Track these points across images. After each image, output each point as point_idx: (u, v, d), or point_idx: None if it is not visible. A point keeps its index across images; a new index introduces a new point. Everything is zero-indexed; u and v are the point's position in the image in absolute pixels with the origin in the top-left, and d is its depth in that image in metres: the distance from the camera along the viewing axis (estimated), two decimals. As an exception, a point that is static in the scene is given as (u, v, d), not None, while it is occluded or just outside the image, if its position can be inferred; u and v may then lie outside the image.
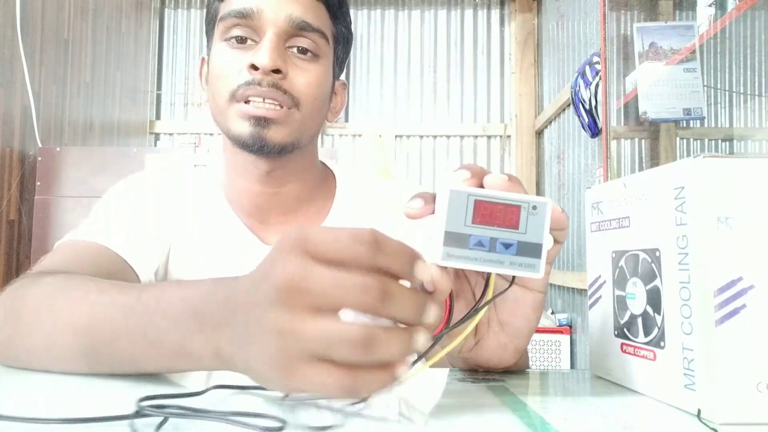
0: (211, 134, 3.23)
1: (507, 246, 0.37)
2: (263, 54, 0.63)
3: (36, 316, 0.48)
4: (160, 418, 0.33)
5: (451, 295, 0.40)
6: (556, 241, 0.40)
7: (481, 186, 0.38)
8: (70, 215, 1.97)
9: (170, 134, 3.26)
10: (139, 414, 0.33)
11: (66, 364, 0.46)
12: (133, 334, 0.41)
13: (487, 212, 0.37)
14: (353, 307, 0.30)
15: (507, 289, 0.41)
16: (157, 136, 3.25)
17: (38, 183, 2.00)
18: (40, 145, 2.03)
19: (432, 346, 0.39)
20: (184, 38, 3.34)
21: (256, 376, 0.34)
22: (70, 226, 0.69)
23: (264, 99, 0.64)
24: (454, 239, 0.37)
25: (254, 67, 0.63)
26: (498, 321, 0.45)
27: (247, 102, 0.64)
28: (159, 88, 3.30)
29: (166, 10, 3.35)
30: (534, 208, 0.37)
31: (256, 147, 0.65)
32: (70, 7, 2.29)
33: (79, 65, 2.39)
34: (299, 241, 0.32)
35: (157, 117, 3.29)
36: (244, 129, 0.64)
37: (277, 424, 0.32)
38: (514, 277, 0.41)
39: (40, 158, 2.01)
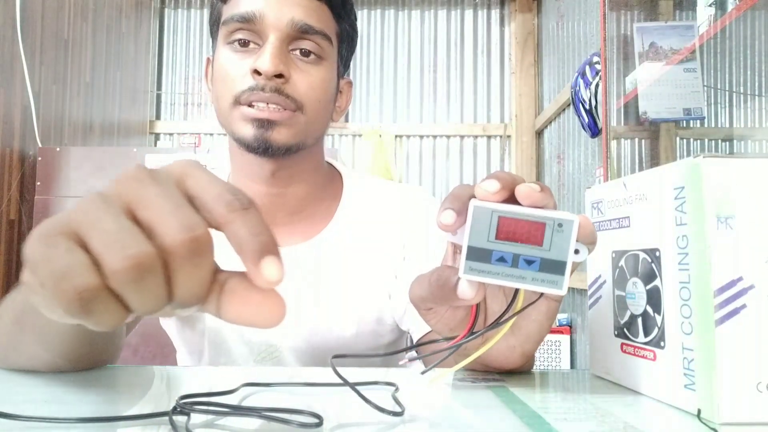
0: (211, 134, 3.23)
1: (530, 262, 0.37)
2: (265, 59, 0.63)
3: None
4: (199, 416, 0.34)
5: (477, 307, 0.41)
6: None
7: (512, 195, 0.38)
8: (70, 215, 1.97)
9: (170, 134, 3.26)
10: (177, 411, 0.33)
11: (14, 350, 0.47)
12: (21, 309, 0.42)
13: (511, 229, 0.37)
14: (156, 236, 0.26)
15: (536, 301, 0.41)
16: (157, 136, 3.25)
17: (38, 183, 2.00)
18: (40, 145, 2.03)
19: (452, 352, 0.39)
20: (184, 38, 3.33)
21: (25, 249, 0.27)
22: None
23: (267, 104, 0.64)
24: (476, 254, 0.37)
25: (257, 72, 0.63)
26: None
27: (250, 106, 0.64)
28: (159, 88, 3.30)
29: (166, 10, 3.34)
30: (560, 225, 0.37)
31: (261, 149, 0.65)
32: (70, 7, 2.29)
33: (79, 65, 2.38)
34: (183, 165, 0.29)
35: (157, 117, 3.28)
36: (248, 131, 0.64)
37: (314, 420, 0.32)
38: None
39: (40, 158, 2.01)
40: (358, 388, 0.37)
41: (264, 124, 0.64)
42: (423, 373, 0.40)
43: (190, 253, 0.26)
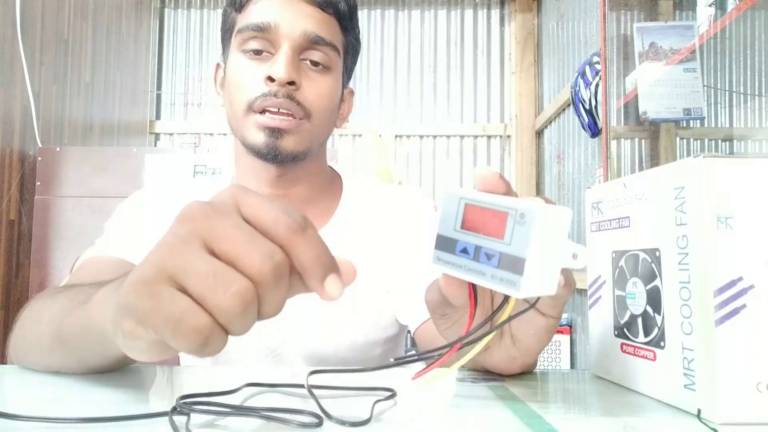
0: (211, 134, 3.23)
1: (489, 257, 0.33)
2: (279, 67, 0.66)
3: (28, 318, 0.53)
4: (199, 417, 0.34)
5: (474, 304, 0.38)
6: (566, 283, 0.36)
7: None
8: (70, 215, 1.97)
9: (170, 134, 3.26)
10: (176, 411, 0.33)
11: (43, 356, 0.48)
12: (77, 319, 0.42)
13: (475, 218, 0.34)
14: (243, 267, 0.28)
15: (525, 311, 0.38)
16: (157, 136, 3.25)
17: (38, 183, 2.00)
18: (40, 145, 2.03)
19: (448, 353, 0.38)
20: (184, 38, 3.33)
21: (119, 300, 0.30)
22: (70, 226, 0.72)
23: (279, 109, 0.67)
24: (444, 243, 0.35)
25: (270, 79, 0.66)
26: (510, 335, 0.44)
27: (263, 113, 0.67)
28: (159, 88, 3.29)
29: (166, 10, 3.34)
30: (521, 216, 0.32)
31: (270, 156, 0.68)
32: (70, 7, 2.29)
33: (79, 65, 2.38)
34: (233, 194, 0.31)
35: (157, 117, 3.28)
36: (259, 139, 0.67)
37: (314, 420, 0.33)
38: (537, 299, 0.37)
39: (40, 158, 2.01)
40: (346, 391, 0.37)
41: (274, 132, 0.67)
42: (414, 378, 0.39)
43: (275, 279, 0.28)
